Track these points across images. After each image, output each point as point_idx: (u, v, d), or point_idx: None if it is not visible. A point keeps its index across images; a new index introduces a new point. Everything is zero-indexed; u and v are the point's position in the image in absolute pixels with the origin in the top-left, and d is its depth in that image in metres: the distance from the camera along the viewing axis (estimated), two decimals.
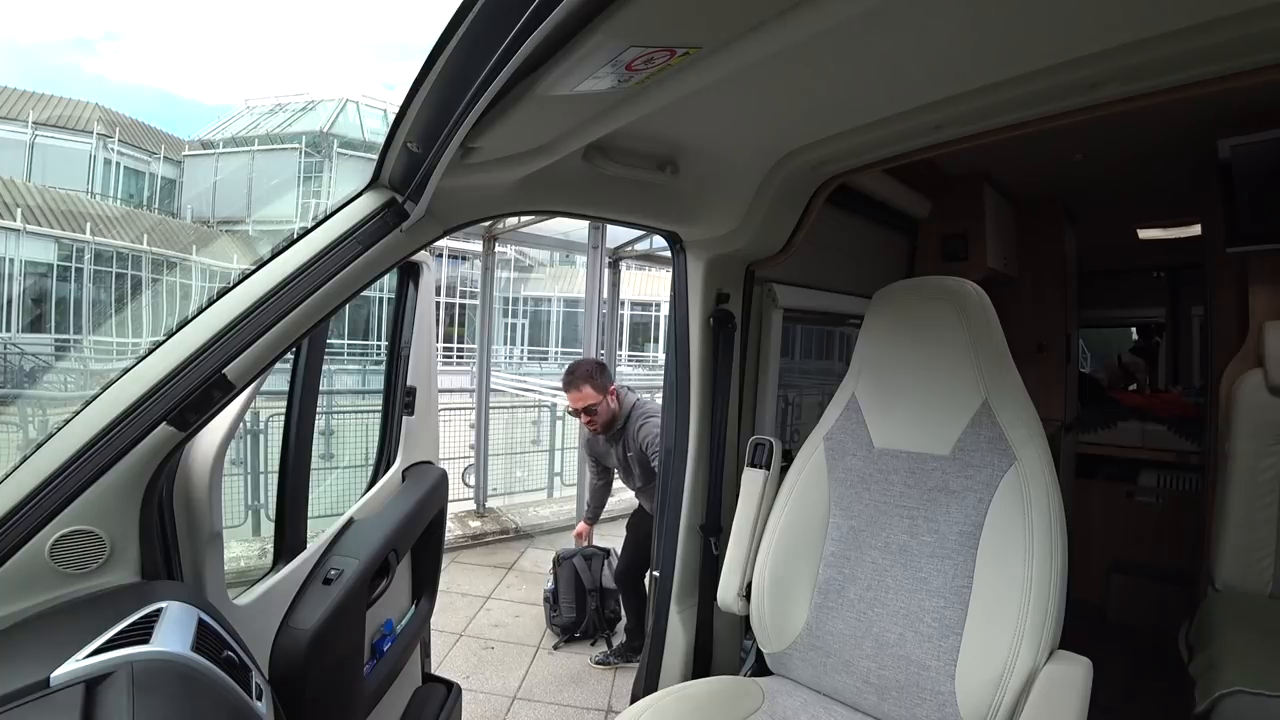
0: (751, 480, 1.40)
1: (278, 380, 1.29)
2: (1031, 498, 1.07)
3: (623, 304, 2.99)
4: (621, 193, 1.24)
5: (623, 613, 2.87)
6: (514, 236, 5.11)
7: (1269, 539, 1.89)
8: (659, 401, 2.03)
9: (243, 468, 4.31)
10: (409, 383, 1.62)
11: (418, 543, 1.50)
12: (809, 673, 1.25)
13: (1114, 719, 2.05)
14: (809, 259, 1.75)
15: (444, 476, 1.64)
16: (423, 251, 1.19)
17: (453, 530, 4.44)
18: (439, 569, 1.63)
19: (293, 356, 1.27)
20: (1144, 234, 3.33)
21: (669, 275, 1.58)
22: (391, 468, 1.54)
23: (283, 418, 1.30)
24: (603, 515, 3.04)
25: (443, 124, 0.71)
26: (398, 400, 1.59)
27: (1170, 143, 2.14)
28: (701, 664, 1.52)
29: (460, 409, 5.53)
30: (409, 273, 1.54)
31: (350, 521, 1.36)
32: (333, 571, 1.22)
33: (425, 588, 1.57)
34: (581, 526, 3.04)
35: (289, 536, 1.25)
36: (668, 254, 1.54)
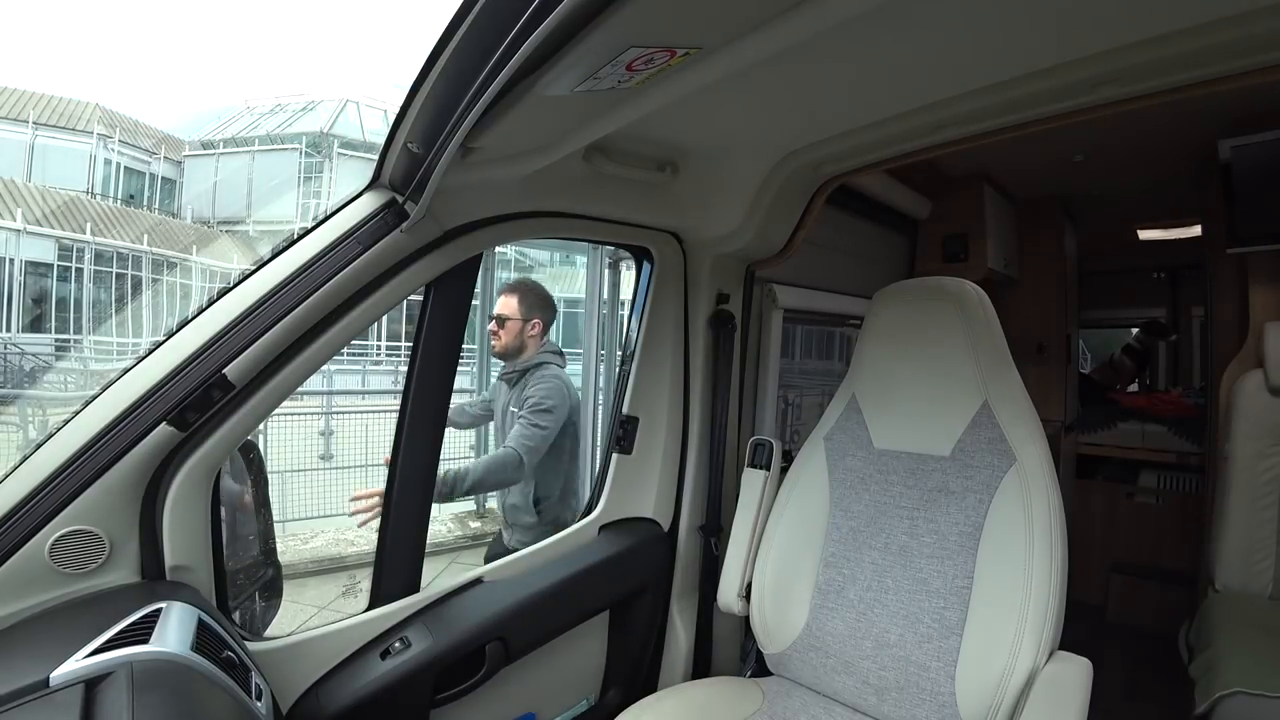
0: (751, 481, 1.39)
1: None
2: (1032, 498, 1.07)
3: (623, 304, 2.98)
4: (621, 193, 1.24)
5: None
6: None
7: (1269, 540, 1.89)
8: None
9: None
10: (626, 410, 1.43)
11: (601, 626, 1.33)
12: (809, 673, 1.25)
13: (1114, 719, 2.05)
14: (809, 259, 1.75)
15: (669, 541, 1.45)
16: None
17: (452, 530, 4.44)
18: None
19: (403, 370, 1.12)
20: (1144, 234, 3.33)
21: None
22: (586, 518, 1.39)
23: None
24: None
25: (443, 124, 0.71)
26: (611, 429, 1.36)
27: (1170, 143, 2.14)
28: (701, 664, 1.52)
29: None
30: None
31: (476, 581, 1.19)
32: (396, 644, 1.05)
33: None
34: None
35: (384, 581, 1.10)
36: None
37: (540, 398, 1.87)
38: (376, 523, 1.19)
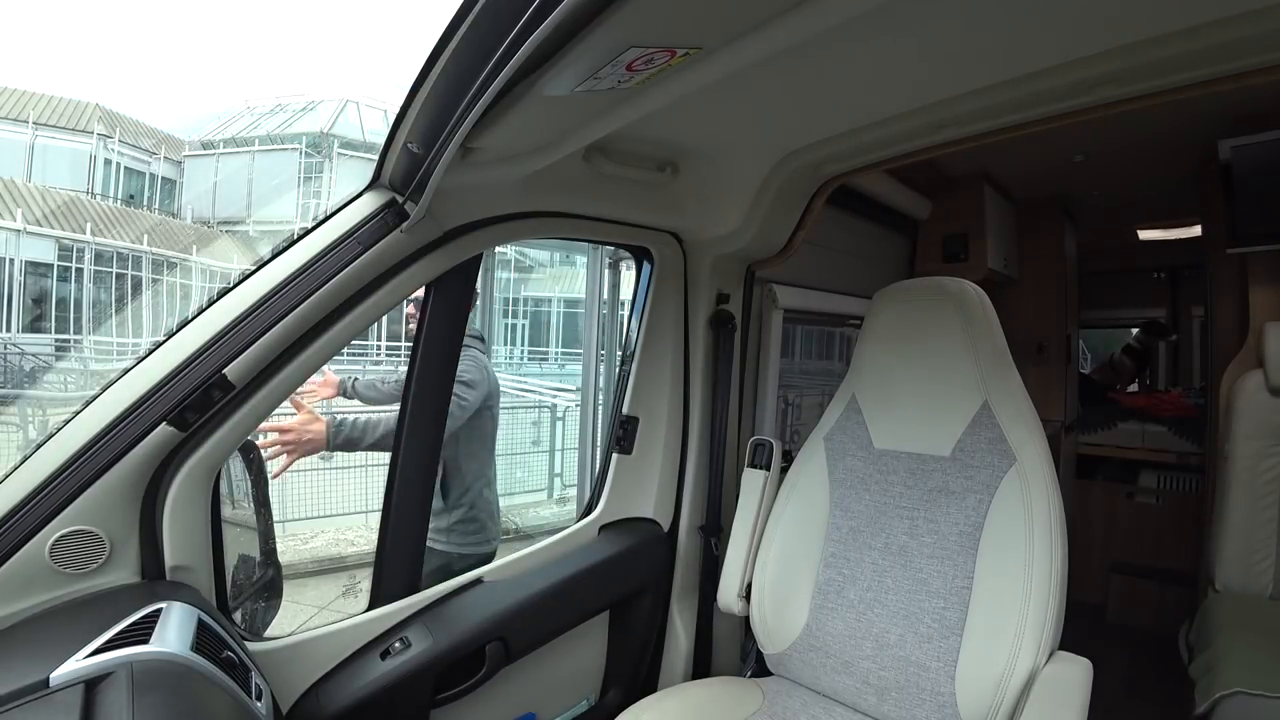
0: (752, 481, 1.40)
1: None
2: (1032, 499, 1.07)
3: (623, 304, 2.98)
4: (621, 193, 1.24)
5: None
6: None
7: (1269, 541, 1.89)
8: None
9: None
10: (626, 410, 1.43)
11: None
12: (809, 673, 1.25)
13: (1114, 719, 2.05)
14: (809, 259, 1.75)
15: (669, 541, 1.44)
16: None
17: None
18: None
19: (403, 372, 1.13)
20: (1144, 234, 3.33)
21: None
22: (586, 518, 1.38)
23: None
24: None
25: (443, 124, 0.71)
26: (611, 430, 1.35)
27: (1170, 143, 2.15)
28: (701, 664, 1.52)
29: None
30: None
31: (476, 582, 1.19)
32: (396, 644, 1.05)
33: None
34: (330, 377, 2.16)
35: (384, 581, 1.10)
36: None
37: (460, 371, 1.81)
38: (376, 521, 1.20)
